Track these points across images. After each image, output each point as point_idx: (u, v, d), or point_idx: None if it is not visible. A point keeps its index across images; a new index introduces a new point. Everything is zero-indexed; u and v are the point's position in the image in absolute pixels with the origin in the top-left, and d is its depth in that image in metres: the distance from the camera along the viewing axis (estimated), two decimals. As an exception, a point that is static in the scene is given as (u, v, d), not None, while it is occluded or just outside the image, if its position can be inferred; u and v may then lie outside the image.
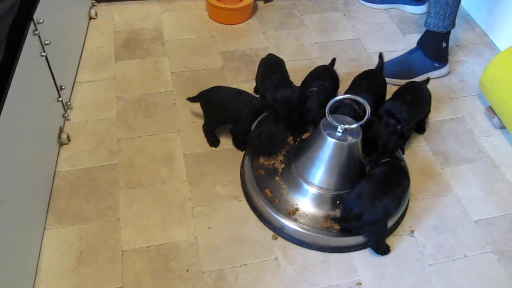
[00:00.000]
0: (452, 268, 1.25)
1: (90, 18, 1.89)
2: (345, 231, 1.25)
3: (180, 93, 1.62)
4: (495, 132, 1.61)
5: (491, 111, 1.63)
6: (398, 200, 1.25)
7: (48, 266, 1.17)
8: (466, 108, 1.68)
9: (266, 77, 1.49)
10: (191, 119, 1.54)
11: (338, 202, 1.30)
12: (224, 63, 1.75)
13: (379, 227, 1.22)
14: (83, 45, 1.78)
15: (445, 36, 1.68)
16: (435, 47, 1.71)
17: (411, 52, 1.75)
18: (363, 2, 2.09)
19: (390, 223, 1.27)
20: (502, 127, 1.60)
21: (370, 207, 1.19)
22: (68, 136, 1.44)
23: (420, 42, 1.73)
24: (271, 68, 1.52)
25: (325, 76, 1.50)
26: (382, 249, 1.25)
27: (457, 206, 1.39)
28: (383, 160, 1.28)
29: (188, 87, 1.63)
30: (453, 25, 1.65)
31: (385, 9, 2.08)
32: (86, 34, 1.83)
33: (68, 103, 1.53)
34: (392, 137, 1.36)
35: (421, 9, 2.05)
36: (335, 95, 1.49)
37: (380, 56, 1.57)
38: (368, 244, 1.26)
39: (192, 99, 1.47)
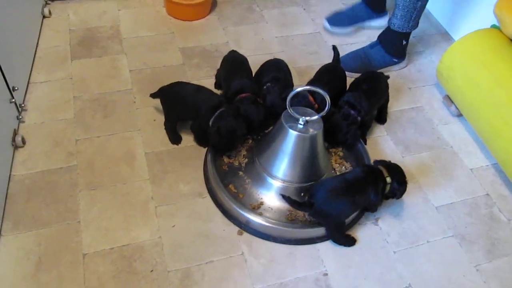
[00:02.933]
0: (416, 254, 1.27)
1: (44, 16, 1.83)
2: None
3: (140, 91, 1.59)
4: (452, 120, 1.64)
5: (448, 99, 1.66)
6: (356, 207, 1.26)
7: (4, 274, 1.13)
8: (424, 98, 1.71)
9: (231, 76, 1.47)
10: (152, 117, 1.51)
11: (302, 194, 1.30)
12: (184, 60, 1.72)
13: (328, 221, 1.23)
14: (37, 44, 1.72)
15: (407, 35, 1.71)
16: (395, 45, 1.73)
17: (371, 46, 1.76)
18: (331, 28, 1.93)
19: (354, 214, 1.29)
20: (459, 115, 1.64)
21: (324, 200, 1.20)
22: (23, 139, 1.39)
23: (380, 38, 1.75)
24: (236, 67, 1.50)
25: (275, 68, 1.50)
26: (341, 242, 1.26)
27: (419, 193, 1.41)
28: (367, 167, 1.29)
29: (148, 85, 1.60)
30: (416, 26, 1.68)
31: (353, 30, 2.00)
32: (40, 33, 1.77)
33: (22, 105, 1.47)
34: (351, 128, 1.37)
35: (385, 20, 1.95)
36: (290, 84, 1.49)
37: (334, 48, 1.58)
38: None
39: (153, 95, 1.45)
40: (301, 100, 1.36)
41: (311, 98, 1.38)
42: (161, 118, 1.48)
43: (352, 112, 1.38)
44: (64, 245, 1.19)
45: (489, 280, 1.24)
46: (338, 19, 1.92)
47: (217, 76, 1.61)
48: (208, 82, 1.63)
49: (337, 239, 1.26)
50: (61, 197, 1.29)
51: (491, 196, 1.43)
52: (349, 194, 1.22)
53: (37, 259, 1.16)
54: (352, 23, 1.93)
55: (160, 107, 1.49)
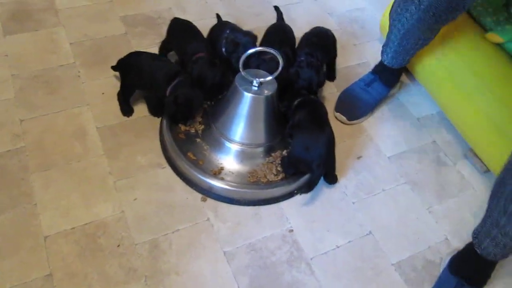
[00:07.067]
0: (373, 203, 1.33)
1: (-34, -10, 1.69)
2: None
3: (84, 64, 1.52)
4: (397, 73, 1.70)
5: (392, 53, 1.72)
6: (329, 124, 1.30)
7: (-39, 266, 1.08)
8: (369, 53, 1.75)
9: (185, 42, 1.42)
10: (99, 91, 1.45)
11: (262, 155, 1.32)
12: (127, 29, 1.66)
13: (331, 160, 1.29)
14: (-37, 21, 1.59)
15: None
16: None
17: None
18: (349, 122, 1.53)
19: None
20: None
21: (318, 152, 1.22)
22: (-39, 124, 1.30)
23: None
24: (188, 33, 1.46)
25: (228, 25, 1.50)
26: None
27: (371, 145, 1.47)
28: (297, 102, 1.32)
29: (91, 57, 1.54)
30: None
31: None
32: (-36, 9, 1.64)
33: (-45, 88, 1.37)
34: (320, 72, 1.40)
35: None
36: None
37: (276, 8, 1.64)
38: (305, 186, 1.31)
39: (113, 68, 1.41)
40: (272, 66, 1.31)
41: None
42: (110, 91, 1.43)
43: (313, 59, 1.39)
44: (23, 230, 1.15)
45: (440, 220, 1.33)
46: (355, 112, 1.53)
47: (161, 48, 1.55)
48: (154, 50, 1.57)
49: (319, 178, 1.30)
50: (12, 181, 1.23)
51: (437, 143, 1.51)
52: (322, 126, 1.26)
53: (-5, 247, 1.12)
54: (371, 109, 1.56)
55: (107, 80, 1.44)
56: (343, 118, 1.50)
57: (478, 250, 1.13)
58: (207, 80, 1.33)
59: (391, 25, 1.39)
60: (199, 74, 1.33)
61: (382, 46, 1.49)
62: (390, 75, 1.53)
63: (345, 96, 1.55)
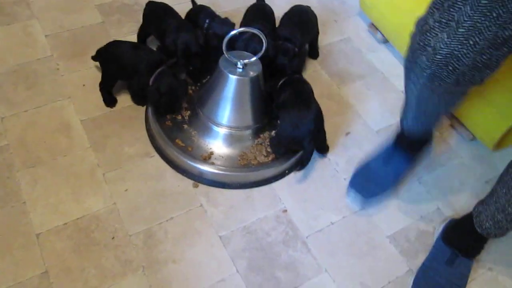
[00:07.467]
0: (364, 178, 1.34)
1: None
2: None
3: (62, 56, 1.48)
4: (379, 47, 1.70)
5: (373, 27, 1.71)
6: (315, 100, 1.30)
7: (-47, 270, 1.06)
8: (350, 28, 1.75)
9: (165, 24, 1.40)
10: (80, 82, 1.42)
11: (251, 137, 1.31)
12: (104, 17, 1.62)
13: (317, 134, 1.28)
14: None
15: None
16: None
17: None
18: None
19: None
20: (385, 41, 1.70)
21: (307, 129, 1.23)
22: None
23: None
24: (167, 15, 1.44)
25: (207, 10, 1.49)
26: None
27: (359, 120, 1.47)
28: (281, 82, 1.31)
29: (69, 49, 1.50)
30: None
31: None
32: None
33: None
34: (294, 60, 1.38)
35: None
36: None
37: None
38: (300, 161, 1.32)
39: (93, 58, 1.37)
40: (256, 45, 1.31)
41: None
42: (91, 82, 1.40)
43: (289, 45, 1.38)
44: (13, 229, 1.13)
45: (431, 190, 1.34)
46: (368, 189, 1.28)
47: (139, 34, 1.52)
48: (133, 38, 1.54)
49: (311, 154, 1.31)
50: (-2, 180, 1.21)
51: (423, 114, 1.52)
52: (308, 104, 1.26)
53: (-14, 248, 1.10)
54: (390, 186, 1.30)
55: (87, 71, 1.41)
56: (358, 199, 1.27)
57: (478, 229, 1.12)
58: (191, 46, 1.32)
59: (405, 84, 1.08)
60: (184, 42, 1.31)
61: (402, 111, 1.20)
62: (412, 145, 1.27)
63: (360, 173, 1.30)
